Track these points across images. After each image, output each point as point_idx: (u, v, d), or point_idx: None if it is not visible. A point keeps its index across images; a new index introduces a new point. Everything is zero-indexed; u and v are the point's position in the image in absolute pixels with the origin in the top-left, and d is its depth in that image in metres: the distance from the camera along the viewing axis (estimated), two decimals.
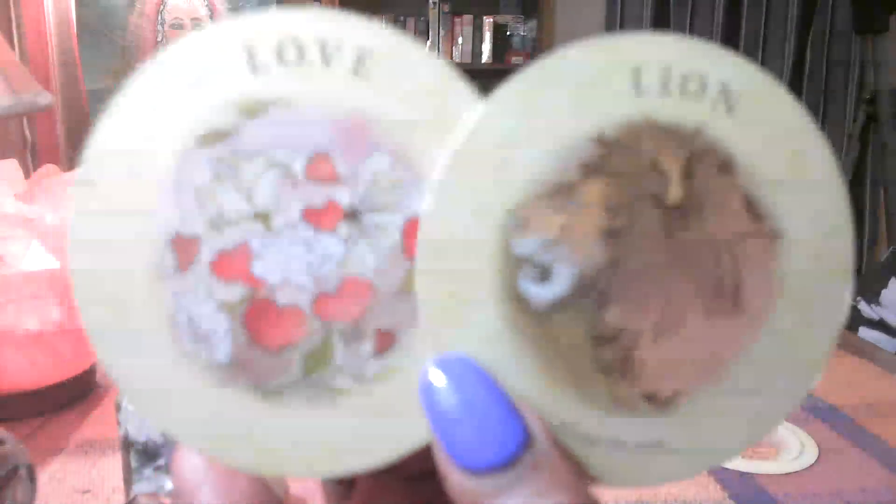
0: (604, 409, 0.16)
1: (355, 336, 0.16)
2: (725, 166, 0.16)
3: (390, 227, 0.15)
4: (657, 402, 0.16)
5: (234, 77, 0.15)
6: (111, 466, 0.49)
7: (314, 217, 0.15)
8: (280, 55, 0.15)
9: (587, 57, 0.15)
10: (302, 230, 0.15)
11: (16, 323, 0.51)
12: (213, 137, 0.15)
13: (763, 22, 1.89)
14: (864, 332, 0.96)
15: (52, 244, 0.54)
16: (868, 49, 1.50)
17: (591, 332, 0.15)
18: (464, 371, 0.15)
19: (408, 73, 0.15)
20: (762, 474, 0.48)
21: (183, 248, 0.15)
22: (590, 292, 0.15)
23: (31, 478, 0.40)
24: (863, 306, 0.92)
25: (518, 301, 0.15)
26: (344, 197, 0.15)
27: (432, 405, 0.15)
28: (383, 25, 0.15)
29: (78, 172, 0.15)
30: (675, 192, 0.16)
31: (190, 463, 0.17)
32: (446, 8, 2.55)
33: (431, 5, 2.54)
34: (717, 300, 0.16)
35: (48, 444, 0.52)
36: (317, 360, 0.16)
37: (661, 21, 2.16)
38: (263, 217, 0.15)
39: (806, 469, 0.48)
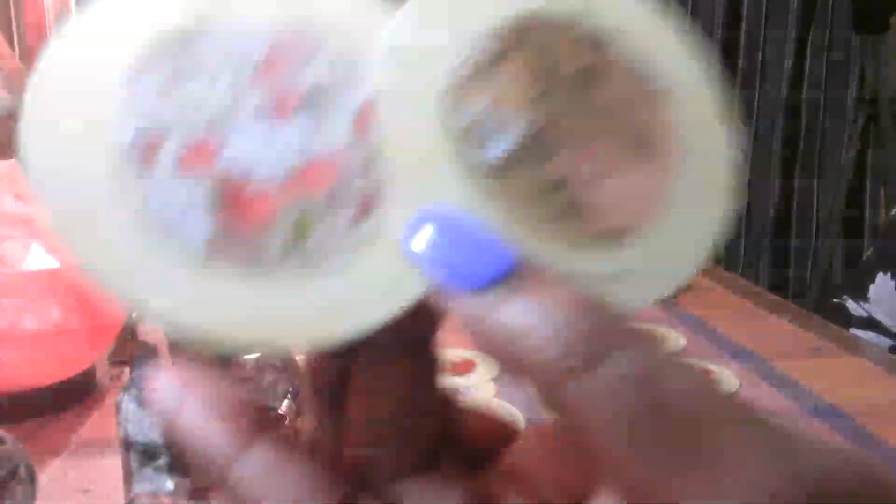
0: (569, 248, 0.18)
1: (332, 206, 0.16)
2: (614, 39, 0.19)
3: (346, 110, 0.17)
4: (611, 235, 0.18)
5: None
6: (111, 467, 0.49)
7: (279, 103, 0.16)
8: None
9: None
10: (268, 115, 0.16)
11: (15, 323, 0.51)
12: (178, 34, 0.16)
13: (763, 21, 1.90)
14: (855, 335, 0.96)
15: (52, 244, 0.54)
16: (868, 49, 1.50)
17: (542, 183, 0.18)
18: (445, 213, 0.16)
19: None
20: None
21: (147, 142, 0.16)
22: (531, 148, 0.18)
23: (31, 478, 0.40)
24: (850, 304, 0.91)
25: (473, 166, 0.17)
26: (304, 85, 0.17)
27: (422, 251, 0.16)
28: None
29: (37, 67, 0.16)
30: (585, 59, 0.19)
31: (167, 384, 0.17)
32: None
33: None
34: (637, 150, 0.19)
35: (48, 444, 0.52)
36: (297, 234, 0.16)
37: None
38: (226, 108, 0.16)
39: None
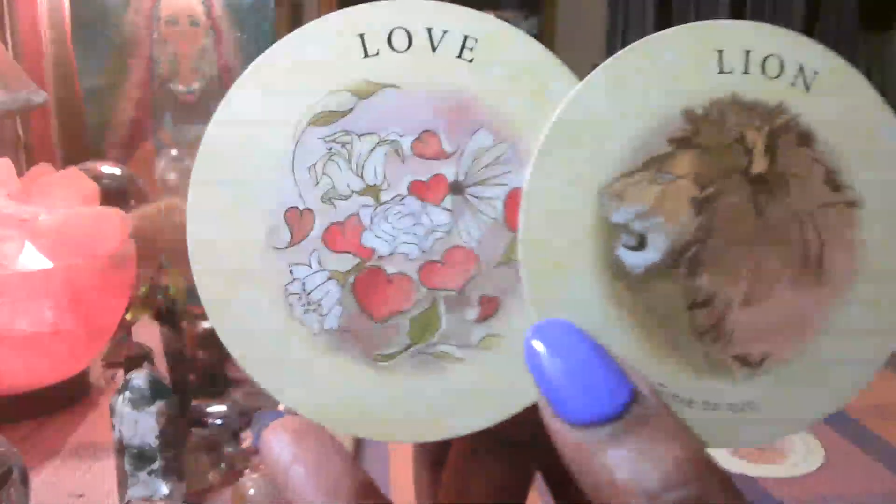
0: (698, 371, 0.17)
1: (460, 303, 0.17)
2: (805, 140, 0.17)
3: (493, 199, 0.17)
4: (748, 364, 0.17)
5: (349, 62, 0.17)
6: (105, 470, 0.48)
7: (421, 190, 0.17)
8: (391, 42, 0.17)
9: (674, 41, 0.17)
10: (409, 203, 0.17)
11: (9, 324, 0.51)
12: (328, 117, 0.16)
13: (769, 20, 1.89)
14: None
15: (47, 244, 0.53)
16: (874, 46, 1.49)
17: (685, 299, 0.16)
18: (566, 333, 0.16)
19: (508, 55, 0.17)
20: (767, 478, 0.47)
21: (297, 220, 0.16)
22: (682, 260, 0.16)
23: (25, 481, 0.39)
24: None
25: (615, 269, 0.16)
26: (449, 171, 0.17)
27: (538, 367, 0.15)
28: (485, 13, 0.17)
29: (202, 142, 0.16)
30: (759, 164, 0.17)
31: (280, 442, 0.17)
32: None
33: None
34: (802, 270, 0.17)
35: (42, 447, 0.51)
36: (424, 328, 0.17)
37: (663, 18, 2.15)
38: (373, 191, 0.17)
39: (811, 473, 0.48)
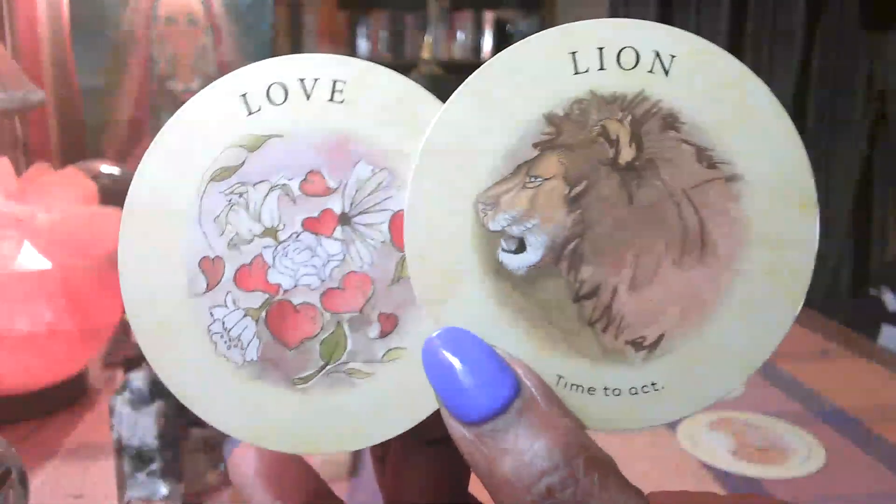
0: (594, 360, 0.17)
1: (362, 322, 0.18)
2: (669, 123, 0.17)
3: (379, 224, 0.18)
4: (643, 347, 0.17)
5: (237, 121, 0.18)
6: (104, 471, 0.48)
7: (314, 225, 0.18)
8: (269, 96, 0.18)
9: (529, 51, 0.18)
10: (305, 238, 0.18)
11: (7, 324, 0.50)
12: (225, 172, 0.18)
13: (770, 19, 1.88)
14: (889, 331, 0.94)
15: (45, 244, 0.53)
16: (877, 45, 1.49)
17: (571, 292, 0.17)
18: (457, 338, 0.17)
19: (376, 91, 0.18)
20: (769, 479, 0.47)
21: (210, 267, 0.18)
22: (563, 256, 0.17)
23: (23, 482, 0.39)
24: (888, 297, 0.90)
25: (499, 273, 0.17)
26: (336, 205, 0.18)
27: (433, 372, 0.17)
28: (350, 57, 0.18)
29: (125, 206, 0.18)
30: (626, 153, 0.17)
31: (245, 460, 0.19)
32: (446, 3, 2.53)
33: (431, 1, 2.53)
34: (685, 247, 0.17)
35: (40, 448, 0.51)
36: (333, 349, 0.18)
37: (665, 18, 2.15)
38: (271, 232, 0.18)
39: (813, 474, 0.47)
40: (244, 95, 0.18)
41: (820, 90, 1.76)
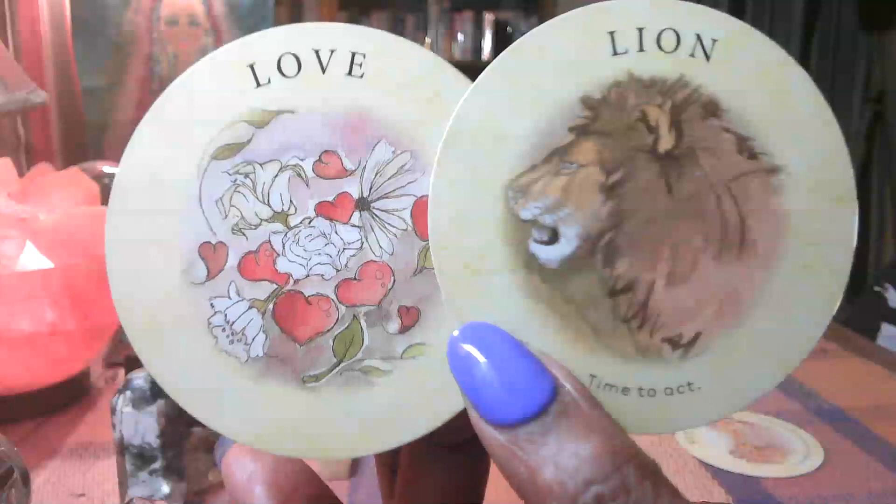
0: (629, 357, 0.16)
1: (380, 317, 0.17)
2: (711, 110, 0.16)
3: (400, 210, 0.17)
4: (680, 346, 0.16)
5: (243, 93, 0.17)
6: (106, 470, 0.48)
7: (328, 210, 0.17)
8: (281, 68, 0.17)
9: (563, 29, 0.16)
10: (319, 224, 0.17)
11: (9, 324, 0.51)
12: (228, 150, 0.17)
13: (768, 20, 1.88)
14: (888, 330, 0.94)
15: (47, 244, 0.53)
16: (874, 46, 1.49)
17: (605, 287, 0.16)
18: (486, 335, 0.15)
19: (398, 65, 0.17)
20: (767, 478, 0.47)
21: (211, 254, 0.17)
22: (598, 248, 0.16)
23: (26, 481, 0.39)
24: (891, 293, 0.89)
25: (530, 265, 0.16)
26: (354, 188, 0.17)
27: (460, 371, 0.15)
28: (371, 27, 0.17)
29: (114, 183, 0.17)
30: (665, 141, 0.16)
31: (240, 463, 0.18)
32: (446, 4, 2.54)
33: (432, 1, 2.53)
34: (723, 243, 0.16)
35: (42, 447, 0.51)
36: (347, 345, 0.17)
37: None
38: (281, 217, 0.17)
39: (812, 472, 0.48)
40: (252, 66, 0.17)
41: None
